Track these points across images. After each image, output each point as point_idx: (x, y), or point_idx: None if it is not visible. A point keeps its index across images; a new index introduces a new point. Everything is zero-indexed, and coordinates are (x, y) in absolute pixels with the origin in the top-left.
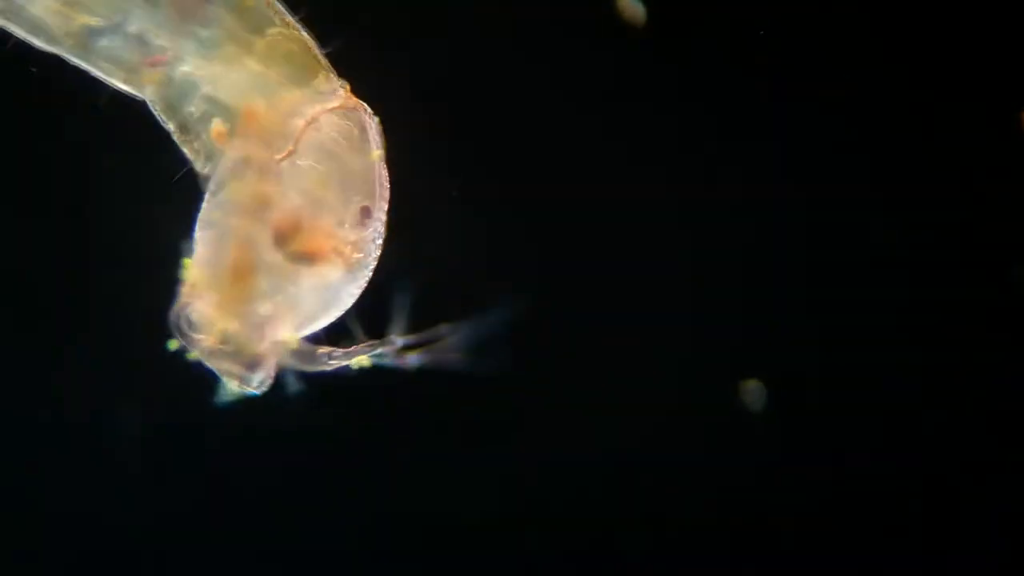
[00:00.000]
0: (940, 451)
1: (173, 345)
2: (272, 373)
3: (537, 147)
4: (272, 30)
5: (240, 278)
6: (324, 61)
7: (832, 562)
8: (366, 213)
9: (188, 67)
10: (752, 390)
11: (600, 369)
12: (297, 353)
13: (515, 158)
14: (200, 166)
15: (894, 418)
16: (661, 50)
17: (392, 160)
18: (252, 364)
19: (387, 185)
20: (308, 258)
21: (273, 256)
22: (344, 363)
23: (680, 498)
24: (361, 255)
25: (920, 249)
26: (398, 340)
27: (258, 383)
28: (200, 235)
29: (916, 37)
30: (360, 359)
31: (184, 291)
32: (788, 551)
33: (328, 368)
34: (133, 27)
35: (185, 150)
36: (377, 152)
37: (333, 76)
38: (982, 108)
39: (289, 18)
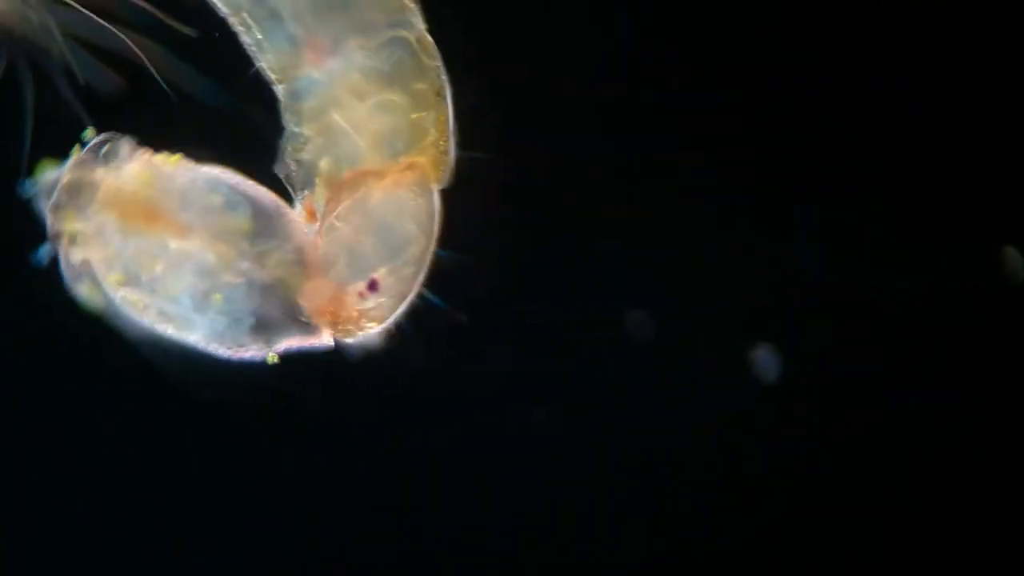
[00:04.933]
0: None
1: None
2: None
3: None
4: (421, 85)
5: None
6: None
7: None
8: (372, 286)
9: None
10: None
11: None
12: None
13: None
14: (288, 178)
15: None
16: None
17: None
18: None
19: (424, 265)
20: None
21: None
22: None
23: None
24: (351, 328)
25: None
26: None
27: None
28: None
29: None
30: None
31: None
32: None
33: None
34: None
35: (285, 157)
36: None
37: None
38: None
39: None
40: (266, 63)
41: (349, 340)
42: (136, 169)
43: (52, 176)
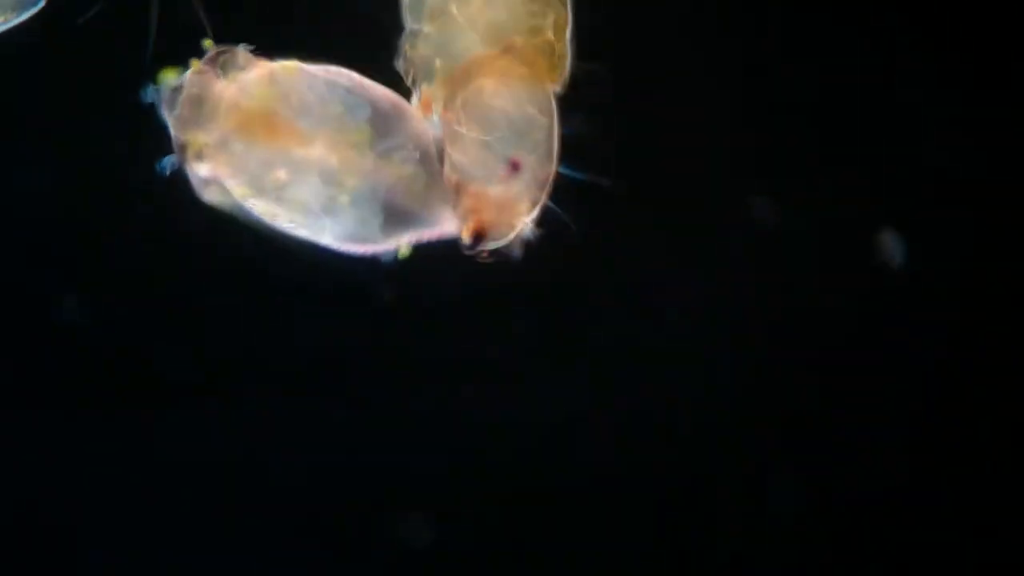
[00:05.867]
0: None
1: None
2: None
3: None
4: None
5: None
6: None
7: None
8: (515, 167)
9: None
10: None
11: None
12: None
13: None
14: (407, 73)
15: None
16: None
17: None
18: None
19: (554, 152)
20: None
21: None
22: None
23: None
24: (499, 224)
25: None
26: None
27: None
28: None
29: None
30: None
31: None
32: None
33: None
34: None
35: (404, 53)
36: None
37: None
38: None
39: None
40: None
41: (499, 237)
42: (254, 79)
43: (173, 86)
